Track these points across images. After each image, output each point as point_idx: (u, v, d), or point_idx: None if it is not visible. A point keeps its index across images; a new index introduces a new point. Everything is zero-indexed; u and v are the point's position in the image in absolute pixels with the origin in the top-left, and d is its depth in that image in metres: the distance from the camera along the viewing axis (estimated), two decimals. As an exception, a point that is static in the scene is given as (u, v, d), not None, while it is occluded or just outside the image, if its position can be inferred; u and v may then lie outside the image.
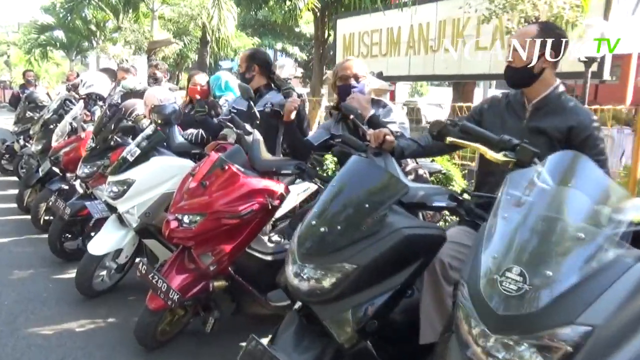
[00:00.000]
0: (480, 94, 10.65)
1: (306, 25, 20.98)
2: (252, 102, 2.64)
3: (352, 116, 2.06)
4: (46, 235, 3.73)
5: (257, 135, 2.46)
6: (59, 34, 17.05)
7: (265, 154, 2.43)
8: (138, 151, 2.82)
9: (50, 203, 3.60)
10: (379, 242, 1.41)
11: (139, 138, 2.92)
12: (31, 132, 5.94)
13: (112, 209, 2.96)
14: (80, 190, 3.84)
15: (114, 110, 3.56)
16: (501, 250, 1.13)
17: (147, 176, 2.79)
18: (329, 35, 18.54)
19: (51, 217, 4.37)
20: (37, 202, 4.30)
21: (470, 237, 1.81)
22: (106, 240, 2.91)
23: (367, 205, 1.49)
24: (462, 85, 10.01)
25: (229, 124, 2.56)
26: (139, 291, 3.00)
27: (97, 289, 3.05)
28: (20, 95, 8.45)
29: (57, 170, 4.45)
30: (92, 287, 3.00)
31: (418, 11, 6.67)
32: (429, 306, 1.70)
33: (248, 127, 2.47)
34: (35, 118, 6.37)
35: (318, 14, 12.18)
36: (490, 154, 1.32)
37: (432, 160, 3.51)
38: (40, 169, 4.54)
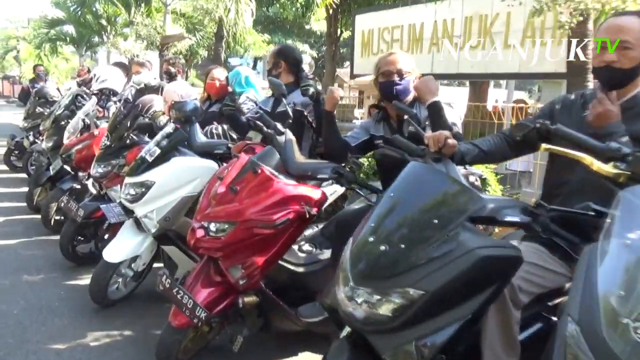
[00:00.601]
0: (500, 94, 10.34)
1: (316, 23, 20.87)
2: (284, 99, 2.44)
3: (406, 116, 1.85)
4: (57, 237, 3.56)
5: (290, 135, 2.26)
6: (69, 28, 16.97)
7: (299, 156, 2.23)
8: (158, 151, 2.63)
9: (62, 204, 3.42)
10: (450, 265, 1.23)
11: (158, 137, 2.73)
12: (41, 128, 5.79)
13: (129, 212, 2.78)
14: (94, 191, 3.67)
15: (130, 106, 3.37)
16: (629, 286, 0.92)
17: (167, 178, 2.60)
18: (341, 32, 18.31)
19: (62, 218, 4.22)
20: (48, 202, 4.14)
21: (541, 255, 1.60)
22: (123, 247, 2.72)
23: (435, 221, 1.29)
24: (478, 84, 9.77)
25: (258, 122, 2.36)
26: (155, 300, 2.81)
27: (112, 298, 2.86)
28: (30, 90, 8.33)
29: (68, 168, 4.29)
30: (107, 296, 2.82)
31: (442, 7, 6.44)
32: (494, 333, 1.48)
33: (280, 126, 2.27)
34: (46, 114, 6.25)
35: (331, 10, 11.97)
36: (598, 165, 1.11)
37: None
38: (51, 168, 4.37)
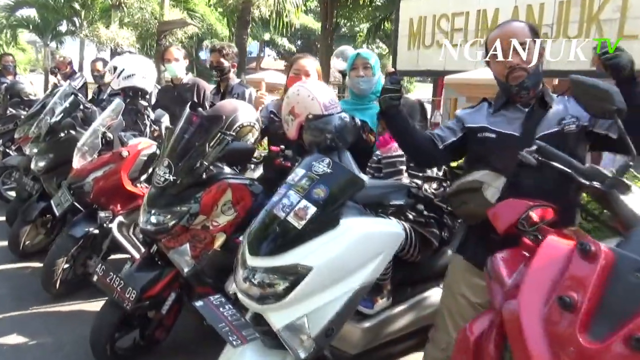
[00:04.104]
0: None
1: (295, 17, 20.17)
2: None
3: None
4: (69, 307, 2.39)
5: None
6: (31, 12, 15.18)
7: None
8: (312, 209, 1.49)
9: (96, 275, 2.22)
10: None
11: (300, 179, 1.59)
12: (16, 135, 4.55)
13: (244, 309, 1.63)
14: (133, 252, 2.52)
15: (205, 120, 2.20)
16: None
17: (336, 258, 1.47)
18: (336, 24, 17.32)
19: (70, 275, 3.02)
20: (54, 256, 2.89)
21: None
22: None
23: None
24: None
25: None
26: None
27: None
28: (-4, 85, 6.92)
29: (74, 201, 3.08)
30: None
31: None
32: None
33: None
34: (22, 117, 5.01)
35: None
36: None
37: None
38: (55, 205, 3.10)
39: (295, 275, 1.46)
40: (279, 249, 1.48)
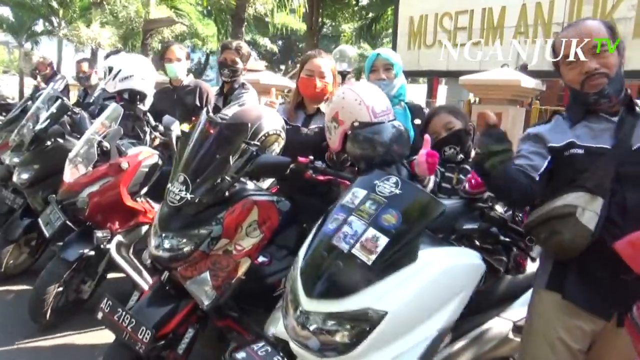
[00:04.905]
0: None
1: (277, 16, 19.98)
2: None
3: None
4: (61, 340, 2.09)
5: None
6: (5, 11, 14.52)
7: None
8: (383, 240, 1.23)
9: (101, 312, 1.90)
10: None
11: (362, 201, 1.33)
12: None
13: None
14: (140, 282, 2.23)
15: (229, 125, 1.92)
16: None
17: (415, 298, 1.21)
18: (322, 24, 17.16)
19: (61, 302, 2.70)
20: (44, 284, 2.54)
21: None
22: None
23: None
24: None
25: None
26: None
27: None
28: (-31, 88, 6.49)
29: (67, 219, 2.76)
30: None
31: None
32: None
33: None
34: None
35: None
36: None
37: None
38: (42, 224, 2.77)
39: (365, 322, 1.19)
40: (343, 290, 1.22)
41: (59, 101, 3.32)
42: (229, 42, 3.02)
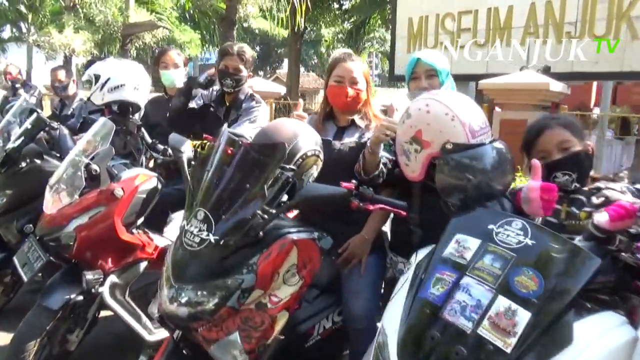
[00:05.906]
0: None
1: (254, 20, 19.64)
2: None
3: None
4: None
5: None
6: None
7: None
8: (524, 314, 0.88)
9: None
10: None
11: (478, 256, 0.98)
12: None
13: None
14: (130, 320, 1.83)
15: (255, 150, 1.54)
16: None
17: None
18: (305, 28, 16.93)
19: (44, 356, 2.26)
20: (23, 339, 2.08)
21: None
22: None
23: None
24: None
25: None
26: None
27: None
28: None
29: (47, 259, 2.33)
30: None
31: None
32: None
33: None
34: None
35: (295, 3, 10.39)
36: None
37: None
38: (20, 268, 2.32)
39: None
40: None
41: (34, 115, 2.90)
42: (229, 46, 2.61)
